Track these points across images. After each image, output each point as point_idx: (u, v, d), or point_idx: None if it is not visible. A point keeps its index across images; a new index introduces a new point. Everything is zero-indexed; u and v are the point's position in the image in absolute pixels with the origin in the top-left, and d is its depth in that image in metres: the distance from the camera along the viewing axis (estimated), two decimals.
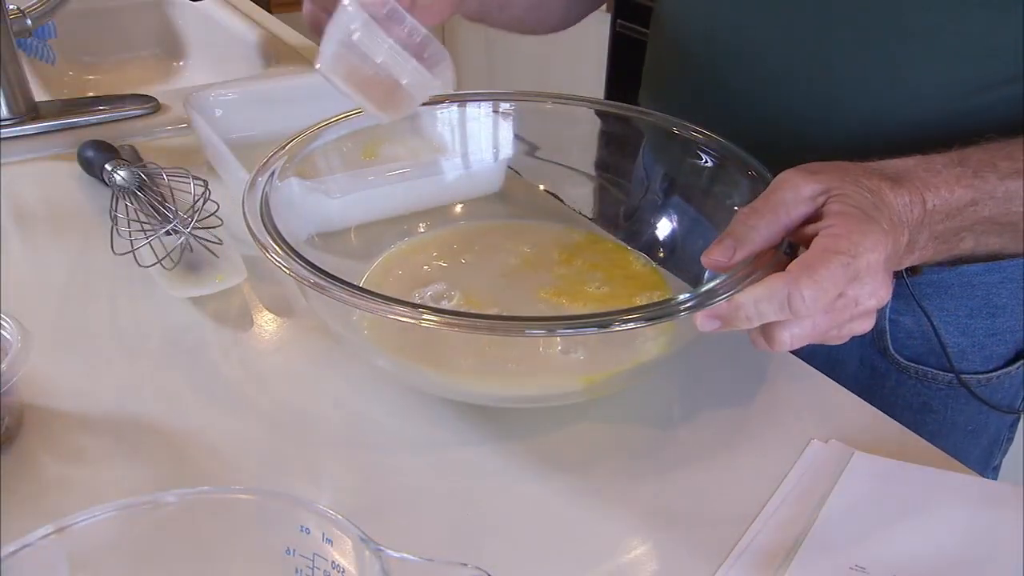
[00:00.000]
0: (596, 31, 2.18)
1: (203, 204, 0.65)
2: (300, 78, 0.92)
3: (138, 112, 0.94)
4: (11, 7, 0.90)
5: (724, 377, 0.59)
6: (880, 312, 0.57)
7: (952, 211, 0.51)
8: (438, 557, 0.34)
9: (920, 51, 0.59)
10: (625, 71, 2.18)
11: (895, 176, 0.50)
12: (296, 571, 0.37)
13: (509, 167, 0.73)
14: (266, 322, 0.64)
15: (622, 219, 0.71)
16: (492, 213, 0.72)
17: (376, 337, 0.56)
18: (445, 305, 0.60)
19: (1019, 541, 0.46)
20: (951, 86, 0.60)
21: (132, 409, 0.55)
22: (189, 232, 0.63)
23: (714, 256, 0.48)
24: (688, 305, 0.46)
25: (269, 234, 0.51)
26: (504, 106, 0.71)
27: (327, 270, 0.48)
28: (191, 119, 0.82)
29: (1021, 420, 0.80)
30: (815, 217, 0.48)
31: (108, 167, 0.73)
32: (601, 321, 0.46)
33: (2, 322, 0.51)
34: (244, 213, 0.53)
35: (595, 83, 2.27)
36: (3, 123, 0.88)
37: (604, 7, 0.89)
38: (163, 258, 0.63)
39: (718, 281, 0.47)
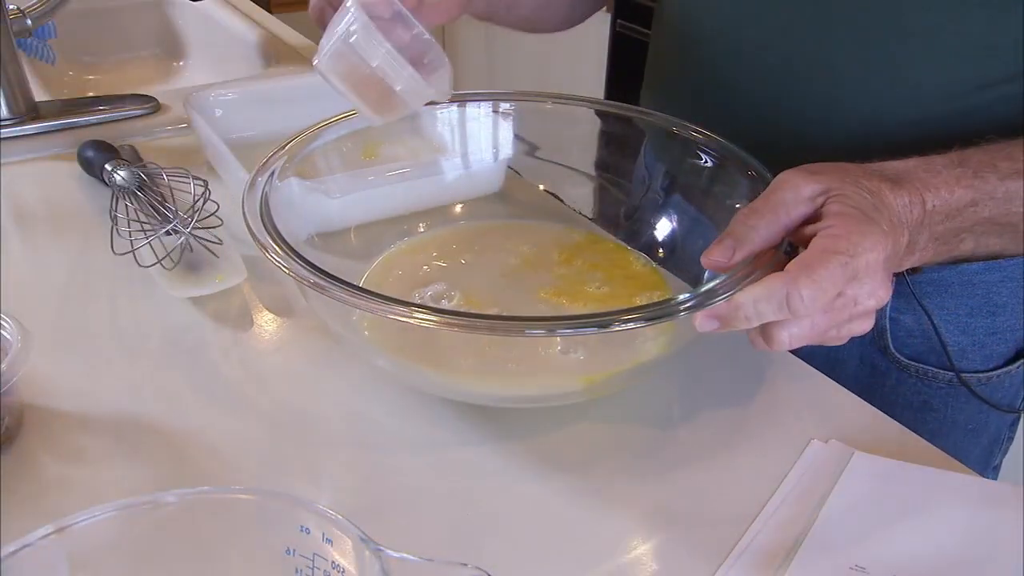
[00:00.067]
0: (596, 31, 2.18)
1: (203, 204, 0.65)
2: (300, 78, 0.92)
3: (138, 112, 0.94)
4: (11, 7, 0.90)
5: (724, 377, 0.59)
6: (880, 311, 0.57)
7: (952, 212, 0.51)
8: (438, 557, 0.34)
9: (920, 50, 0.59)
10: (625, 71, 2.18)
11: (895, 177, 0.50)
12: (296, 571, 0.37)
13: (509, 167, 0.74)
14: (266, 322, 0.64)
15: (622, 219, 0.71)
16: (492, 213, 0.72)
17: (376, 337, 0.56)
18: (445, 305, 0.60)
19: (1019, 541, 0.46)
20: (951, 85, 0.60)
21: (132, 409, 0.55)
22: (189, 232, 0.63)
23: (713, 256, 0.48)
24: (688, 305, 0.46)
25: (269, 234, 0.51)
26: (504, 106, 0.71)
27: (327, 270, 0.48)
28: (191, 119, 0.82)
29: (1021, 420, 0.80)
30: (815, 218, 0.48)
31: (108, 167, 0.73)
32: (601, 321, 0.46)
33: (2, 322, 0.51)
34: (244, 213, 0.53)
35: (595, 83, 2.27)
36: (3, 123, 0.88)
37: (604, 7, 0.89)
38: (163, 258, 0.63)
39: (718, 281, 0.47)
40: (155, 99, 0.96)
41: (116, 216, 0.66)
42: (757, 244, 0.48)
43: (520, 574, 0.45)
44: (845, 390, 0.58)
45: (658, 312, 0.46)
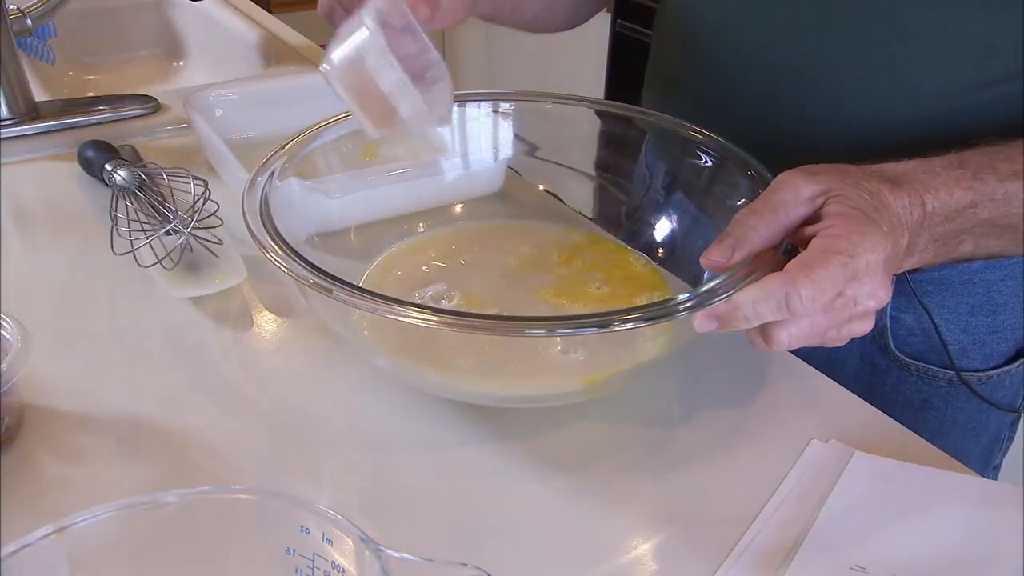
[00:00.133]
0: (596, 31, 2.18)
1: (203, 204, 0.65)
2: (300, 78, 0.92)
3: (138, 112, 0.94)
4: (11, 7, 0.90)
5: (724, 377, 0.59)
6: (881, 309, 0.57)
7: (952, 213, 0.51)
8: (438, 557, 0.34)
9: (920, 50, 0.59)
10: (625, 71, 2.18)
11: (894, 178, 0.50)
12: (296, 571, 0.37)
13: (509, 167, 0.74)
14: (266, 322, 0.64)
15: (622, 219, 0.71)
16: (492, 213, 0.72)
17: (376, 337, 0.56)
18: (445, 305, 0.60)
19: (1019, 541, 0.46)
20: (951, 84, 0.60)
21: (132, 409, 0.55)
22: (189, 232, 0.63)
23: (713, 256, 0.48)
24: (687, 305, 0.46)
25: (269, 234, 0.52)
26: (504, 106, 0.71)
27: (327, 270, 0.48)
28: (191, 119, 0.82)
29: (1022, 419, 0.80)
30: (814, 218, 0.48)
31: (108, 167, 0.73)
32: (601, 321, 0.46)
33: (2, 322, 0.51)
34: (244, 213, 0.53)
35: (595, 83, 2.27)
36: (3, 123, 0.88)
37: (604, 7, 0.89)
38: (163, 258, 0.63)
39: (717, 281, 0.47)
40: (155, 99, 0.96)
41: (116, 216, 0.66)
42: (756, 244, 0.48)
43: (520, 574, 0.45)
44: (845, 390, 0.58)
45: (658, 312, 0.46)
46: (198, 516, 0.37)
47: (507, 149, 0.73)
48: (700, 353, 0.60)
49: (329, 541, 0.36)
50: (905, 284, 0.66)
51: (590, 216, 0.72)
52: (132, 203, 0.68)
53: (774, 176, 0.51)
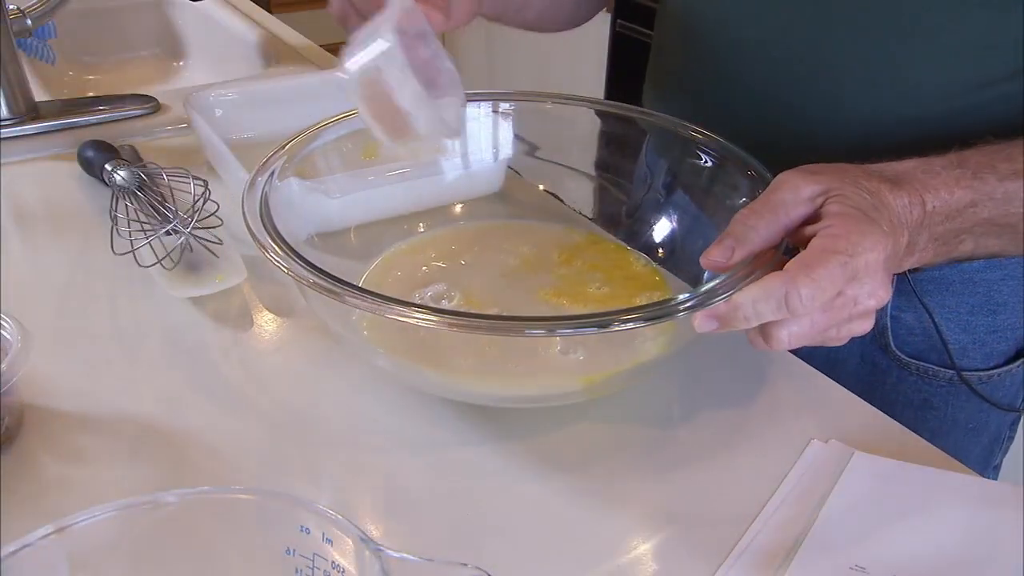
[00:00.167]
0: (596, 31, 2.18)
1: (203, 204, 0.65)
2: (300, 78, 0.92)
3: (138, 112, 0.94)
4: (11, 7, 0.90)
5: (724, 377, 0.59)
6: (881, 308, 0.58)
7: (952, 212, 0.51)
8: (438, 557, 0.34)
9: (920, 50, 0.59)
10: (625, 71, 2.18)
11: (894, 178, 0.50)
12: (296, 571, 0.37)
13: (509, 167, 0.74)
14: (266, 322, 0.64)
15: (623, 219, 0.71)
16: (492, 213, 0.72)
17: (376, 337, 0.56)
18: (445, 305, 0.60)
19: (1019, 541, 0.46)
20: (951, 84, 0.60)
21: (132, 409, 0.55)
22: (189, 232, 0.63)
23: (713, 256, 0.48)
24: (687, 305, 0.46)
25: (269, 234, 0.52)
26: (504, 106, 0.71)
27: (327, 270, 0.48)
28: (191, 119, 0.82)
29: (1022, 419, 0.80)
30: (814, 218, 0.48)
31: (108, 167, 0.73)
32: (600, 321, 0.46)
33: (2, 322, 0.51)
34: (244, 213, 0.53)
35: (595, 83, 2.27)
36: (3, 123, 0.88)
37: (605, 7, 0.89)
38: (163, 258, 0.63)
39: (717, 281, 0.47)
40: (155, 99, 0.96)
41: (116, 216, 0.66)
42: (756, 244, 0.48)
43: (520, 574, 0.45)
44: (845, 390, 0.58)
45: (657, 312, 0.46)
46: (198, 516, 0.37)
47: (507, 149, 0.73)
48: (700, 353, 0.60)
49: (329, 541, 0.36)
50: (906, 283, 0.66)
51: (590, 216, 0.72)
52: (132, 203, 0.68)
53: (774, 176, 0.51)
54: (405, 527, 0.48)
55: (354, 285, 0.47)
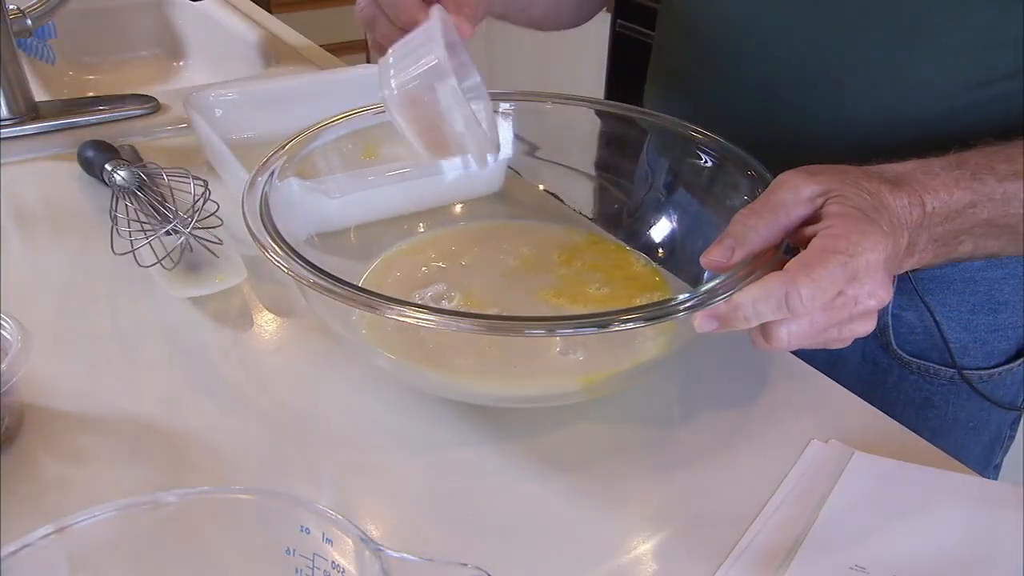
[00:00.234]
0: (596, 31, 2.18)
1: (203, 204, 0.65)
2: (300, 78, 0.92)
3: (138, 112, 0.94)
4: (11, 7, 0.90)
5: (724, 377, 0.59)
6: (882, 307, 0.58)
7: (951, 213, 0.51)
8: (438, 557, 0.34)
9: (921, 49, 0.59)
10: (625, 71, 2.18)
11: (894, 179, 0.50)
12: (296, 571, 0.37)
13: (509, 167, 0.73)
14: (266, 322, 0.64)
15: (623, 219, 0.71)
16: (492, 213, 0.72)
17: (376, 337, 0.56)
18: (445, 306, 0.60)
19: (1019, 541, 0.46)
20: (952, 83, 0.60)
21: (132, 409, 0.55)
22: (189, 232, 0.63)
23: (713, 256, 0.48)
24: (687, 305, 0.46)
25: (269, 234, 0.52)
26: (504, 106, 0.71)
27: (327, 270, 0.48)
28: (191, 119, 0.82)
29: (1022, 419, 0.80)
30: (814, 219, 0.48)
31: (108, 167, 0.73)
32: (600, 321, 0.46)
33: (2, 322, 0.51)
34: (244, 213, 0.53)
35: (595, 83, 2.27)
36: (3, 123, 0.88)
37: (605, 7, 0.89)
38: (163, 258, 0.63)
39: (717, 281, 0.47)
40: (155, 99, 0.96)
41: (116, 216, 0.66)
42: (756, 244, 0.48)
43: (520, 574, 0.45)
44: (845, 390, 0.58)
45: (657, 312, 0.46)
46: (198, 516, 0.37)
47: (507, 149, 0.73)
48: (700, 353, 0.60)
49: (329, 541, 0.36)
50: (907, 282, 0.66)
51: (590, 216, 0.72)
52: (132, 203, 0.68)
53: (774, 176, 0.51)
54: (405, 527, 0.48)
55: (354, 285, 0.47)
